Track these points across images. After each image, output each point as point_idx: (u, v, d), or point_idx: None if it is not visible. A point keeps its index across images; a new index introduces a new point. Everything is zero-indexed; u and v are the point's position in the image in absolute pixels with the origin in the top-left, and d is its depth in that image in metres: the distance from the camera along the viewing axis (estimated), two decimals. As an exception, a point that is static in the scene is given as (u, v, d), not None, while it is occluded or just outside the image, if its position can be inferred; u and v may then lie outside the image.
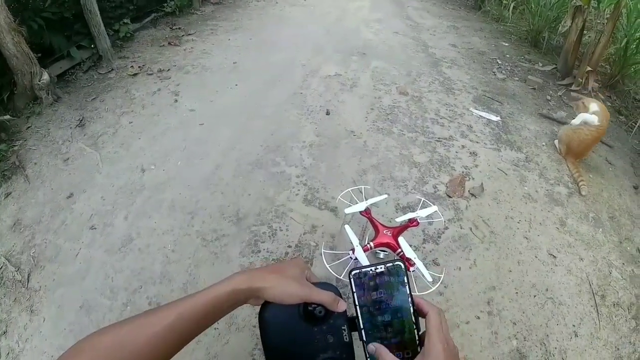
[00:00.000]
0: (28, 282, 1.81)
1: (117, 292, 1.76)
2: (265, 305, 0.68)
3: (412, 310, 0.65)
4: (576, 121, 2.65)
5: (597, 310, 1.85)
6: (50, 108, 2.85)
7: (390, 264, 0.66)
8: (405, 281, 0.66)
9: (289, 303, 0.67)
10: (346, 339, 0.67)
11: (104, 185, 2.29)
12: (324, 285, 0.70)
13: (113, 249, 1.94)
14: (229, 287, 0.65)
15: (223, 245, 1.97)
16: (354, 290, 0.65)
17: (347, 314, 0.69)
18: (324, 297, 0.67)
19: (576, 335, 1.74)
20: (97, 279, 1.81)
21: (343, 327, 0.68)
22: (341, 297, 0.69)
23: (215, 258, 1.91)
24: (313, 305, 0.67)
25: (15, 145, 2.53)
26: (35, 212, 2.13)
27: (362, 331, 0.65)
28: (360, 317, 0.65)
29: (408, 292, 0.66)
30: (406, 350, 0.64)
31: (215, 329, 1.63)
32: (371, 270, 0.66)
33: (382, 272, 0.66)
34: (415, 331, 0.64)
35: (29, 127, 2.69)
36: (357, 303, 0.65)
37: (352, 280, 0.65)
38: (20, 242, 1.98)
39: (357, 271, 0.65)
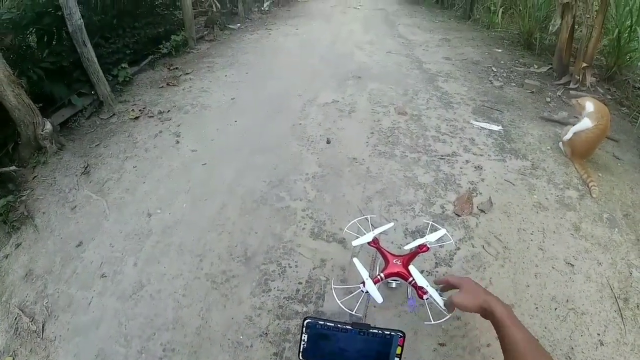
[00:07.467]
0: (43, 332, 1.84)
1: (131, 340, 1.77)
2: None
3: None
4: (568, 135, 2.67)
5: (620, 314, 1.79)
6: (55, 157, 2.93)
7: None
8: None
9: None
10: None
11: (111, 232, 2.33)
12: None
13: (125, 296, 1.96)
14: None
15: (233, 286, 1.97)
16: None
17: None
18: None
19: (602, 344, 1.68)
20: (110, 327, 1.83)
21: None
22: None
23: (227, 300, 1.91)
24: None
25: (22, 196, 2.60)
26: (46, 261, 2.18)
27: None
28: None
29: None
30: None
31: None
32: None
33: None
34: None
35: (35, 176, 2.76)
36: None
37: None
38: (33, 293, 2.03)
39: None
